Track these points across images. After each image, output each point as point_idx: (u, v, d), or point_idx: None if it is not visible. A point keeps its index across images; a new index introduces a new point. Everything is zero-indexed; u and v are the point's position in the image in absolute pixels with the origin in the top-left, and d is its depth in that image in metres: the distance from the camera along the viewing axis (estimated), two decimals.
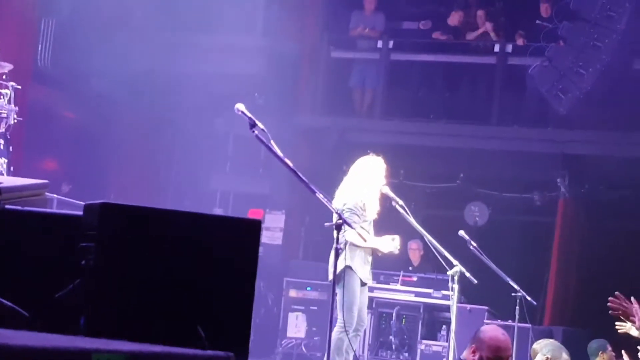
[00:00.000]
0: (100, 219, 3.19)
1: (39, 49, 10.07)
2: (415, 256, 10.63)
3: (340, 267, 6.28)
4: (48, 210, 3.85)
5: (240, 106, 5.16)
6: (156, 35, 10.61)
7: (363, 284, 6.58)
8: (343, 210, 6.26)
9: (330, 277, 5.85)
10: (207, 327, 3.14)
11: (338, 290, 6.35)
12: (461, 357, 4.58)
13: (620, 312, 4.60)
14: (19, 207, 3.56)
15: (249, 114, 5.11)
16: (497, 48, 11.74)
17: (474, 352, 4.39)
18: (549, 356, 6.28)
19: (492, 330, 4.59)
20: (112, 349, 2.07)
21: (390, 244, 6.66)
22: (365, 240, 6.24)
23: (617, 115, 10.65)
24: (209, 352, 2.39)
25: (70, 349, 1.95)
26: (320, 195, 5.28)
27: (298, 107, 11.85)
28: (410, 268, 10.49)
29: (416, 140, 11.55)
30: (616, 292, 4.57)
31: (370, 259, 6.61)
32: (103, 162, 10.75)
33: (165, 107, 11.05)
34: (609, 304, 4.58)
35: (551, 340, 6.71)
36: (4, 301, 3.21)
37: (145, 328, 3.10)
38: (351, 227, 5.72)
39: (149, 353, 2.18)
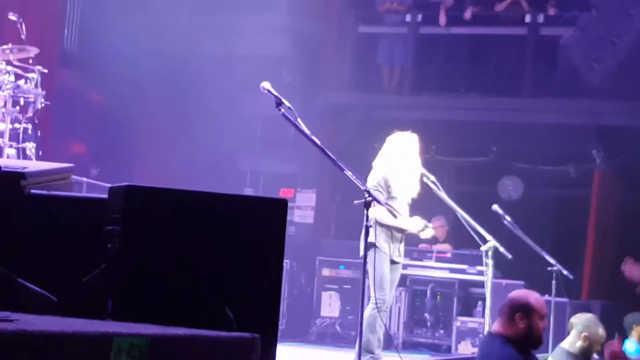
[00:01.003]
0: (125, 202, 3.16)
1: (65, 32, 10.07)
2: (440, 232, 10.53)
3: (365, 244, 6.22)
4: (74, 194, 3.83)
5: (265, 84, 5.10)
6: (181, 16, 10.56)
7: (394, 262, 6.50)
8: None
9: (361, 254, 5.81)
10: (235, 309, 3.10)
11: (369, 268, 6.31)
12: (493, 331, 4.52)
13: None
14: (44, 192, 3.53)
15: (274, 92, 5.04)
16: (528, 19, 11.56)
17: (521, 318, 4.37)
18: (586, 334, 6.15)
19: (527, 292, 4.69)
20: (134, 333, 2.03)
21: (419, 224, 6.57)
22: (395, 217, 6.16)
23: None
24: (234, 334, 2.34)
25: (91, 333, 1.91)
26: (348, 173, 5.21)
27: (325, 84, 11.77)
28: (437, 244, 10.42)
29: (447, 115, 11.42)
30: None
31: (399, 236, 6.53)
32: (131, 144, 10.77)
33: (192, 89, 11.01)
34: None
35: (588, 315, 6.57)
36: (32, 286, 3.19)
37: (174, 310, 3.07)
38: (380, 203, 5.65)
39: (171, 336, 2.14)
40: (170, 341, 2.12)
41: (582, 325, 6.22)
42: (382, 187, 6.43)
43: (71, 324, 2.04)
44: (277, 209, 3.31)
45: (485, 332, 6.81)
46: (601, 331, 6.26)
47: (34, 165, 3.90)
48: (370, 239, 6.29)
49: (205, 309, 3.11)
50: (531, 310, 4.39)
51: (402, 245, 6.61)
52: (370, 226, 5.54)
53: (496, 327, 4.50)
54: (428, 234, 6.75)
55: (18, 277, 3.14)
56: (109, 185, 3.43)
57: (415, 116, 10.89)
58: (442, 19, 11.72)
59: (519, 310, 4.39)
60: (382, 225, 6.40)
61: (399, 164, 6.54)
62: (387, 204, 6.24)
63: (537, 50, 11.50)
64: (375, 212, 6.17)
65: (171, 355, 2.10)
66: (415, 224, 6.59)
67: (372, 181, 6.41)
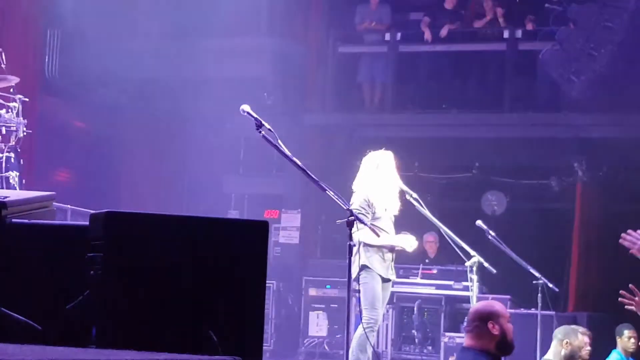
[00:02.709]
0: (105, 228, 3.17)
1: (46, 60, 10.07)
2: (431, 248, 10.57)
3: (357, 266, 6.25)
4: (55, 222, 3.82)
5: (245, 107, 5.12)
6: (162, 41, 10.59)
7: (385, 280, 6.52)
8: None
9: (353, 276, 5.87)
10: (219, 332, 3.11)
11: (360, 288, 6.34)
12: (465, 345, 4.60)
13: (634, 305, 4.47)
14: (25, 221, 3.53)
15: (254, 115, 5.07)
16: (506, 34, 11.65)
17: (494, 325, 4.52)
18: (567, 340, 6.39)
19: (488, 302, 5.01)
20: None
21: (407, 240, 6.60)
22: (378, 236, 6.18)
23: (631, 96, 10.52)
24: (215, 358, 2.35)
25: None
26: (330, 193, 5.23)
27: (308, 105, 11.81)
28: (426, 260, 10.43)
29: (429, 132, 11.48)
30: (630, 285, 4.46)
31: (389, 255, 6.55)
32: (115, 170, 10.75)
33: (175, 113, 11.03)
34: (620, 299, 4.47)
35: (567, 325, 6.77)
36: (16, 315, 3.19)
37: (157, 336, 3.07)
38: (363, 222, 5.67)
39: None
40: None
41: (561, 334, 6.41)
42: (366, 208, 6.44)
43: (50, 352, 2.04)
44: (259, 230, 3.31)
45: None
46: (581, 336, 6.41)
47: (15, 194, 3.90)
48: (363, 261, 6.33)
49: (190, 333, 3.11)
50: (499, 315, 4.55)
51: (393, 263, 6.63)
52: (354, 245, 5.55)
53: (468, 341, 4.60)
54: (413, 246, 6.75)
55: (1, 307, 3.14)
56: (93, 211, 3.43)
57: (398, 134, 10.94)
58: (427, 34, 11.80)
59: (489, 319, 4.53)
60: (372, 245, 6.42)
61: (378, 183, 6.57)
62: (372, 225, 6.26)
63: (517, 65, 11.58)
64: (363, 236, 6.18)
65: None
66: (404, 240, 6.61)
67: (356, 204, 6.43)
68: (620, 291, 4.44)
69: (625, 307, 4.51)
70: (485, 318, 4.52)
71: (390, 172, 6.65)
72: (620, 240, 4.53)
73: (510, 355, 5.29)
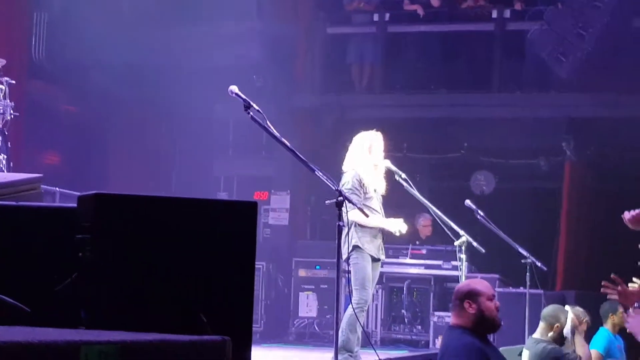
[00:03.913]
0: (94, 210, 3.16)
1: (33, 42, 10.01)
2: (425, 231, 10.59)
3: (348, 247, 6.28)
4: (42, 204, 3.82)
5: (233, 88, 5.11)
6: (150, 24, 10.53)
7: (375, 259, 6.55)
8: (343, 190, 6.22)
9: (344, 256, 5.88)
10: (208, 314, 3.11)
11: (350, 269, 6.37)
12: (451, 324, 4.65)
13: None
14: (12, 203, 3.52)
15: (243, 96, 5.07)
16: (494, 14, 11.64)
17: (470, 304, 4.52)
18: (557, 324, 6.37)
19: (470, 280, 5.06)
20: (103, 340, 2.04)
21: (396, 224, 6.61)
22: (367, 216, 6.20)
23: (619, 75, 10.55)
24: (205, 338, 2.35)
25: (58, 342, 1.92)
26: (319, 174, 5.24)
27: (297, 86, 11.80)
28: (417, 242, 10.47)
29: (418, 113, 11.50)
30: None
31: (380, 235, 6.58)
32: (104, 153, 10.72)
33: (164, 96, 10.99)
34: (602, 289, 4.49)
35: (554, 305, 6.77)
36: (5, 298, 3.19)
37: (147, 317, 3.08)
38: (352, 202, 5.69)
39: (141, 341, 2.15)
40: (140, 347, 2.13)
41: (548, 316, 6.42)
42: (358, 188, 6.46)
43: (40, 333, 2.04)
44: (247, 211, 3.30)
45: None
46: (564, 316, 6.42)
47: (2, 176, 3.89)
48: (354, 241, 6.36)
49: (179, 314, 3.12)
50: (477, 294, 4.53)
51: (382, 243, 6.67)
52: (343, 226, 5.56)
53: (452, 319, 4.65)
54: (402, 231, 6.79)
55: None
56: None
57: (387, 115, 10.96)
58: (420, 9, 11.78)
59: (465, 298, 4.55)
60: (363, 226, 6.44)
61: (368, 164, 6.59)
62: (364, 205, 6.28)
63: (505, 45, 11.59)
64: (356, 216, 6.20)
65: None
66: (394, 224, 6.63)
67: (347, 184, 6.45)
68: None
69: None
70: (462, 297, 4.56)
71: (379, 153, 6.67)
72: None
73: (499, 333, 5.35)
